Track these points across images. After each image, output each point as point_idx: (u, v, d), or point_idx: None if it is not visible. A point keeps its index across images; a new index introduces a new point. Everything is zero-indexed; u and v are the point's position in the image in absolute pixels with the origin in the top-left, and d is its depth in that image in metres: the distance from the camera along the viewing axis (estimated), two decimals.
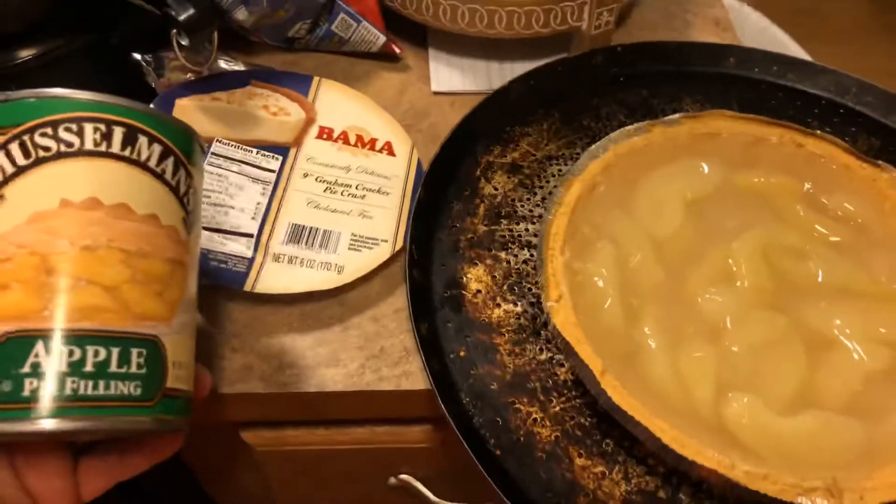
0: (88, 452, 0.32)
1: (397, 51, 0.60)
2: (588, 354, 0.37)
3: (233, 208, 0.46)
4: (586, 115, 0.55)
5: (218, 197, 0.46)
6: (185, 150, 0.33)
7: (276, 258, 0.45)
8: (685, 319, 0.41)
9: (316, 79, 0.54)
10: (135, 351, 0.29)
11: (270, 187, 0.47)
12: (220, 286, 0.44)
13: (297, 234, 0.46)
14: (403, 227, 0.48)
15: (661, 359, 0.39)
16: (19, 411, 0.27)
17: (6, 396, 0.27)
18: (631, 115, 0.55)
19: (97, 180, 0.29)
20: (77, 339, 0.28)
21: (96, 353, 0.28)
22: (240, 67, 0.55)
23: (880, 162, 0.46)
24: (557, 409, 0.40)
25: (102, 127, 0.30)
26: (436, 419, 0.49)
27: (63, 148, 0.29)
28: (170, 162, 0.32)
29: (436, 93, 0.59)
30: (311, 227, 0.46)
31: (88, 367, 0.28)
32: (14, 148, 0.29)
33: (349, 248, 0.46)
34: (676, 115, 0.49)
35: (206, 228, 0.44)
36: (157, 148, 0.31)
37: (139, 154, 0.30)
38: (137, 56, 0.52)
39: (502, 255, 0.46)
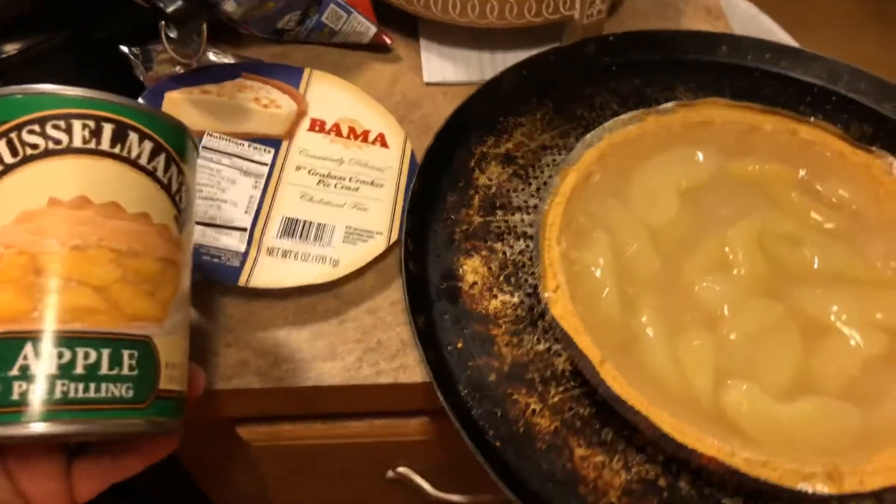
0: (82, 454, 0.31)
1: (388, 41, 0.59)
2: (587, 344, 0.37)
3: (225, 202, 0.45)
4: (579, 105, 0.54)
5: (209, 191, 0.45)
6: (176, 146, 0.32)
7: (270, 252, 0.44)
8: (682, 308, 0.41)
9: (307, 70, 0.54)
10: (126, 353, 0.28)
11: (263, 181, 0.47)
12: (213, 281, 0.43)
13: (291, 227, 0.45)
14: (398, 220, 0.47)
15: (660, 348, 0.39)
16: (9, 415, 0.26)
17: None
18: (624, 103, 0.54)
19: (86, 178, 0.29)
20: (67, 340, 0.27)
21: (86, 356, 0.27)
22: (229, 60, 0.54)
23: (874, 148, 0.46)
24: (556, 399, 0.40)
25: (91, 123, 0.29)
26: (433, 411, 0.49)
27: (51, 145, 0.28)
28: (161, 159, 0.31)
29: (428, 83, 0.58)
30: (304, 221, 0.46)
31: (78, 370, 0.27)
32: (1, 145, 0.28)
33: (344, 241, 0.45)
34: (670, 104, 0.48)
35: (198, 223, 0.44)
36: (147, 145, 0.30)
37: (129, 151, 0.30)
38: (125, 49, 0.51)
39: (498, 245, 0.46)
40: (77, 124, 0.29)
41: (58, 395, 0.27)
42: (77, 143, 0.29)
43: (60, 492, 0.30)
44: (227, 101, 0.50)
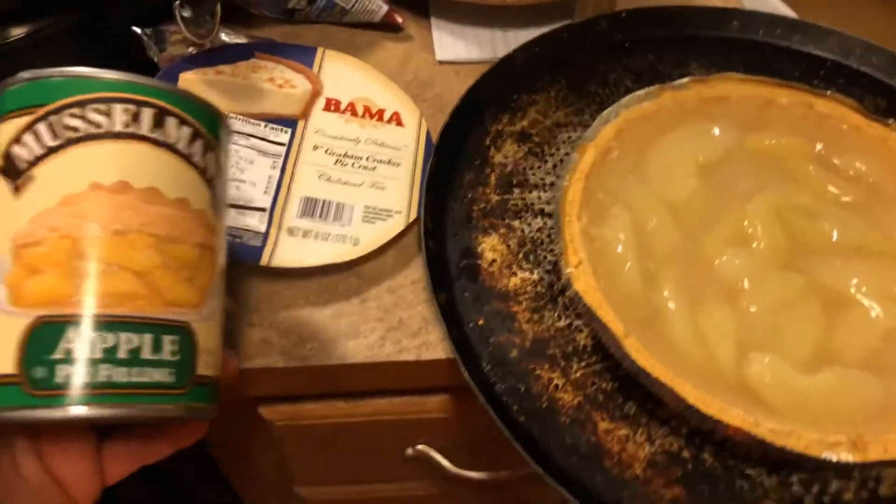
0: (111, 436, 0.31)
1: (399, 20, 0.59)
2: (611, 318, 0.37)
3: (244, 182, 0.45)
4: (593, 82, 0.54)
5: (228, 171, 0.45)
6: (212, 131, 0.32)
7: (291, 232, 0.44)
8: (703, 282, 0.41)
9: (320, 50, 0.54)
10: (167, 338, 0.28)
11: (281, 160, 0.47)
12: (235, 261, 0.43)
13: (311, 207, 0.45)
14: (416, 198, 0.47)
15: (682, 321, 0.39)
16: (52, 398, 0.26)
17: (40, 383, 0.26)
18: (638, 80, 0.54)
19: (127, 163, 0.29)
20: (109, 325, 0.27)
21: (129, 340, 0.27)
22: (241, 40, 0.54)
23: (890, 121, 0.46)
24: (579, 374, 0.40)
25: (132, 108, 0.29)
26: (454, 389, 0.49)
27: (92, 129, 0.28)
28: (198, 144, 0.31)
29: (440, 62, 0.58)
30: (324, 200, 0.46)
31: (122, 354, 0.27)
32: (42, 128, 0.28)
33: (363, 221, 0.45)
34: (685, 79, 0.48)
35: None
36: (186, 130, 0.30)
37: (168, 136, 0.30)
38: (138, 30, 0.51)
39: (516, 223, 0.46)
40: (118, 108, 0.29)
41: (102, 378, 0.27)
42: (118, 127, 0.29)
43: (92, 473, 0.30)
44: (242, 81, 0.49)
